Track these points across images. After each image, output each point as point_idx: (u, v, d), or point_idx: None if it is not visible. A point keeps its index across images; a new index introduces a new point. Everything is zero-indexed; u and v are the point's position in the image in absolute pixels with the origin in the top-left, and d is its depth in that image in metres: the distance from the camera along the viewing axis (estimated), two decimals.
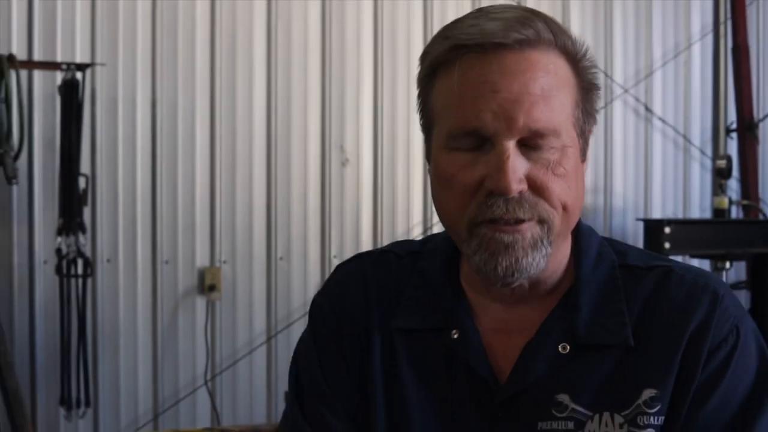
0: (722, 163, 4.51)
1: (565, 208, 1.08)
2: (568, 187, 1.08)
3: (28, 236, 3.72)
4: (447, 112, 1.09)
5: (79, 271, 3.62)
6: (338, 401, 1.20)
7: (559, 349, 1.13)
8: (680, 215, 4.95)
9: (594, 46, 4.71)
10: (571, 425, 1.11)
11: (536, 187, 1.06)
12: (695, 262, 4.85)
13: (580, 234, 1.18)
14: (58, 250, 3.58)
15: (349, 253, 4.18)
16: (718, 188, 4.62)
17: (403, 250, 1.28)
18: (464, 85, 1.06)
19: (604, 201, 4.78)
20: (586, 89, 1.11)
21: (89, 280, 3.70)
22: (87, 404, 3.66)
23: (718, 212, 4.54)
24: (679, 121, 4.98)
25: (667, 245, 4.13)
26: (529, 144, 1.05)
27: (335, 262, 4.12)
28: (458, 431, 1.15)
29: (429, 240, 1.29)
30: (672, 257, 3.70)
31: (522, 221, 1.06)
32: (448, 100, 1.09)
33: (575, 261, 1.17)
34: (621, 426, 1.09)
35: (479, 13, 1.09)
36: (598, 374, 1.12)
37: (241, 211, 4.07)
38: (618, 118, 4.80)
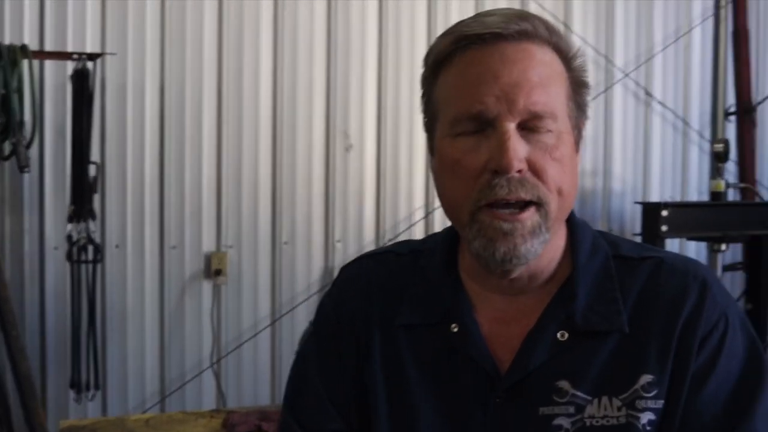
0: (719, 146, 4.54)
1: (560, 192, 1.13)
2: (563, 172, 1.13)
3: (38, 223, 3.78)
4: (451, 101, 1.14)
5: (89, 257, 3.69)
6: (333, 405, 1.26)
7: (558, 337, 1.17)
8: (678, 198, 5.00)
9: (595, 30, 4.75)
10: (571, 410, 1.15)
11: (535, 170, 1.10)
12: (692, 245, 4.93)
13: (575, 227, 1.23)
14: (69, 237, 3.64)
15: (352, 238, 4.28)
16: (716, 171, 4.67)
17: (404, 249, 1.34)
18: (467, 73, 1.12)
19: (603, 184, 4.83)
20: (578, 85, 1.17)
21: (99, 266, 3.76)
22: (96, 387, 3.74)
23: (715, 195, 4.56)
24: (679, 104, 5.02)
25: (664, 228, 4.18)
26: (529, 126, 1.10)
27: (339, 247, 4.20)
28: (462, 421, 1.19)
29: (429, 239, 1.35)
30: (669, 239, 3.76)
31: (522, 209, 1.10)
32: (451, 89, 1.14)
33: (571, 252, 1.22)
34: (619, 409, 1.14)
35: (480, 13, 1.16)
36: (597, 360, 1.16)
37: (247, 197, 4.13)
38: (618, 102, 4.84)
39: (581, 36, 4.65)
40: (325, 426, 1.26)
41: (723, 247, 4.61)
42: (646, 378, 1.14)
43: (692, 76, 5.06)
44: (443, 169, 1.16)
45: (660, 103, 4.93)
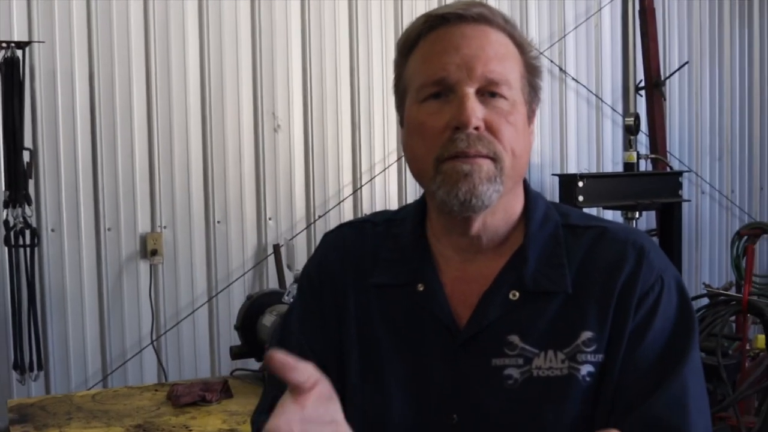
0: (630, 120, 4.78)
1: (513, 153, 1.25)
2: (517, 135, 1.26)
3: None
4: (418, 72, 1.29)
5: (27, 241, 3.76)
6: (311, 350, 1.39)
7: (510, 296, 1.29)
8: (594, 169, 5.24)
9: (509, 10, 4.95)
10: (520, 361, 1.27)
11: (491, 129, 1.24)
12: (608, 214, 5.17)
13: (530, 198, 1.37)
14: (6, 222, 3.71)
15: (284, 215, 4.44)
16: (628, 144, 4.91)
17: (379, 219, 1.47)
18: (431, 47, 1.28)
19: None
20: (532, 68, 1.33)
21: (36, 250, 3.83)
22: (39, 367, 3.81)
23: (628, 166, 4.80)
24: (591, 80, 5.27)
25: (580, 198, 4.37)
26: (486, 92, 1.24)
27: (270, 224, 4.35)
28: (424, 371, 1.31)
29: (402, 209, 1.48)
30: (585, 209, 3.95)
31: (480, 155, 1.23)
32: (418, 63, 1.30)
33: (525, 221, 1.34)
34: (563, 361, 1.26)
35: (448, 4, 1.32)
36: (544, 318, 1.28)
37: (179, 178, 4.24)
38: None
39: None
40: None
41: (637, 215, 4.85)
42: (586, 334, 1.26)
43: (603, 53, 5.31)
44: (410, 132, 1.30)
45: (574, 79, 5.17)
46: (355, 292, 1.40)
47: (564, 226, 1.36)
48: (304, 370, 0.98)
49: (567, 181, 4.47)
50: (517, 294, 1.30)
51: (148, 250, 4.14)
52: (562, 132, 5.18)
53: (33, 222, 3.78)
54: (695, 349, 1.29)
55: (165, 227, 4.22)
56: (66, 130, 3.99)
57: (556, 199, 4.67)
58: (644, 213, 5.25)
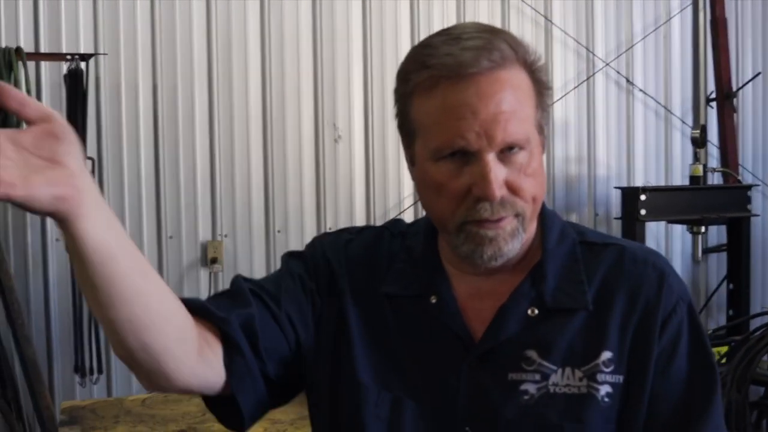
0: (696, 132, 4.69)
1: (534, 200, 1.25)
2: (536, 182, 1.25)
3: (40, 216, 3.96)
4: (432, 130, 1.23)
5: None
6: (282, 303, 1.35)
7: (529, 313, 1.28)
8: (662, 182, 5.14)
9: (575, 22, 4.91)
10: (537, 377, 1.25)
11: (513, 189, 1.22)
12: (675, 228, 5.07)
13: (545, 216, 1.36)
14: None
15: (343, 225, 4.40)
16: (694, 157, 4.81)
17: (396, 229, 1.47)
18: (446, 107, 1.20)
19: (588, 170, 4.98)
20: (541, 89, 1.29)
21: None
22: (99, 371, 3.92)
23: (694, 179, 4.70)
24: (660, 91, 5.16)
25: (643, 212, 4.32)
26: (505, 151, 1.21)
27: None
28: (437, 381, 1.29)
29: (415, 223, 1.47)
30: (648, 223, 3.88)
31: (504, 218, 1.23)
32: (432, 120, 1.23)
33: (542, 238, 1.34)
34: (581, 379, 1.25)
35: (451, 41, 1.22)
36: (563, 335, 1.27)
37: (240, 188, 4.30)
38: (600, 91, 4.99)
39: (561, 28, 4.82)
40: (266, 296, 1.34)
41: (702, 229, 4.74)
42: (606, 354, 1.25)
43: (673, 64, 5.20)
44: (427, 187, 1.27)
45: (641, 90, 5.08)
46: (367, 296, 1.39)
47: (581, 243, 1.36)
48: (35, 106, 0.96)
49: (629, 194, 4.41)
50: (536, 311, 1.29)
51: (209, 258, 4.21)
52: (629, 144, 5.09)
53: None
54: (719, 381, 1.29)
55: (226, 236, 4.28)
56: (130, 141, 4.09)
57: (618, 213, 4.61)
58: (714, 228, 5.15)
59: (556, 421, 1.24)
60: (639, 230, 4.37)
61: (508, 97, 1.21)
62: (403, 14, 4.56)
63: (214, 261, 4.22)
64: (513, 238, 1.24)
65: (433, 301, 1.34)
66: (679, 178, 5.17)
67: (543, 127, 1.29)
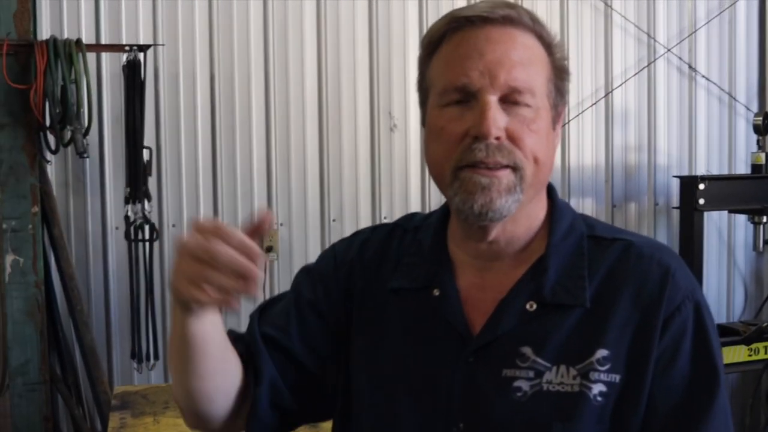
0: (759, 119, 4.57)
1: (536, 161, 1.24)
2: (540, 142, 1.24)
3: (100, 205, 4.05)
4: (440, 75, 1.27)
5: (146, 236, 3.92)
6: (298, 326, 1.43)
7: (527, 307, 1.27)
8: (725, 171, 5.03)
9: (636, 7, 4.81)
10: (531, 374, 1.24)
11: (513, 138, 1.22)
12: (737, 218, 4.96)
13: (556, 208, 1.35)
14: (126, 217, 3.88)
15: (398, 214, 4.37)
16: (758, 144, 4.69)
17: (410, 225, 1.47)
18: (455, 51, 1.25)
19: (648, 158, 4.89)
20: (558, 70, 1.30)
21: (156, 244, 4.00)
22: (156, 357, 3.98)
23: (756, 168, 4.58)
24: (724, 78, 5.04)
25: (701, 201, 4.22)
26: (509, 100, 1.22)
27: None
28: (434, 376, 1.30)
29: (431, 215, 1.47)
30: (707, 212, 3.79)
31: (499, 167, 1.21)
32: (441, 65, 1.27)
33: (549, 230, 1.32)
34: (575, 378, 1.23)
35: (474, 3, 1.29)
36: (559, 332, 1.25)
37: (296, 177, 4.32)
38: (661, 77, 4.88)
39: (622, 14, 4.73)
40: (278, 331, 1.43)
41: (764, 219, 4.63)
42: (601, 352, 1.23)
43: (737, 49, 5.07)
44: (430, 135, 1.28)
45: (704, 77, 4.96)
46: (372, 294, 1.41)
47: (589, 237, 1.33)
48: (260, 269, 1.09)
49: (687, 183, 4.33)
50: (534, 305, 1.28)
51: (264, 246, 4.24)
52: (690, 132, 4.97)
53: (153, 218, 3.93)
54: (723, 385, 1.26)
55: (281, 224, 4.31)
56: (187, 130, 4.14)
57: (676, 203, 4.52)
58: None
59: (545, 419, 1.23)
60: (697, 220, 4.29)
61: (518, 49, 1.24)
62: (459, 1, 4.52)
63: (269, 249, 4.25)
64: (508, 194, 1.22)
65: (436, 293, 1.34)
66: (743, 167, 5.05)
67: (556, 104, 1.29)
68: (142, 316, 3.94)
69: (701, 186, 4.19)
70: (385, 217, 4.43)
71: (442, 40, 1.28)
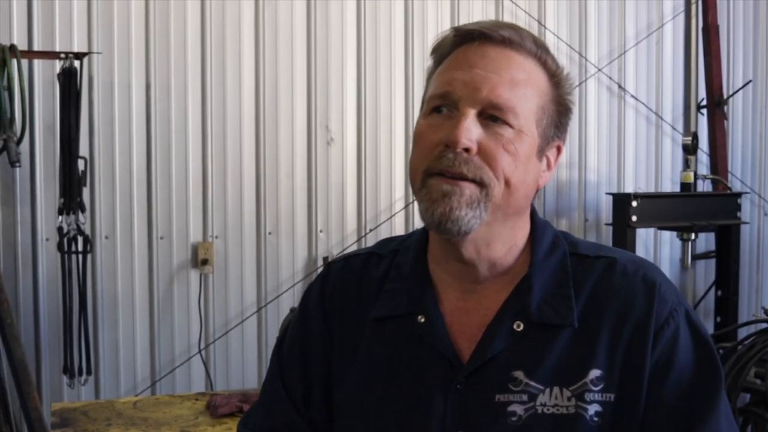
0: (687, 139, 4.71)
1: (508, 183, 1.21)
2: (514, 165, 1.21)
3: (30, 215, 3.93)
4: (432, 84, 1.28)
5: (80, 247, 3.83)
6: (301, 381, 1.42)
7: (514, 327, 1.25)
8: (652, 189, 5.15)
9: (568, 27, 4.91)
10: (525, 397, 1.23)
11: (485, 154, 1.19)
12: (664, 234, 5.08)
13: (536, 226, 1.34)
14: (59, 229, 3.79)
15: (335, 228, 4.45)
16: (685, 164, 4.82)
17: (385, 250, 1.44)
18: (451, 63, 1.26)
19: (579, 175, 4.98)
20: (560, 106, 1.28)
21: (89, 256, 3.91)
22: (88, 372, 3.88)
23: (685, 186, 4.71)
24: (652, 98, 5.17)
25: (634, 218, 4.32)
26: (489, 116, 1.20)
27: (321, 236, 4.36)
28: (423, 403, 1.27)
29: (408, 237, 1.45)
30: (639, 229, 3.88)
31: (462, 178, 1.19)
32: (436, 76, 1.28)
33: (531, 249, 1.31)
34: (569, 399, 1.22)
35: (483, 22, 1.29)
36: (550, 353, 1.24)
37: (232, 189, 4.28)
38: (592, 96, 4.99)
39: (554, 33, 4.82)
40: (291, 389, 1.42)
41: (693, 236, 4.76)
42: (594, 372, 1.22)
43: (664, 70, 5.21)
44: (413, 140, 1.28)
45: (633, 96, 5.08)
46: (356, 326, 1.38)
47: (572, 255, 1.32)
48: None
49: (621, 201, 4.42)
50: (522, 325, 1.26)
51: (199, 259, 4.19)
52: (619, 150, 5.09)
53: (87, 229, 3.85)
54: (723, 390, 1.26)
55: (216, 237, 4.26)
56: (122, 140, 4.06)
57: (610, 219, 4.61)
58: (702, 234, 5.16)
59: None
60: (630, 236, 4.38)
61: (511, 71, 1.22)
62: (397, 17, 4.54)
63: (204, 262, 4.19)
64: (468, 207, 1.19)
65: (421, 320, 1.31)
66: (669, 185, 5.18)
67: (547, 136, 1.27)
68: (74, 330, 3.83)
69: (634, 203, 4.29)
70: (321, 231, 4.42)
71: (446, 56, 1.29)
